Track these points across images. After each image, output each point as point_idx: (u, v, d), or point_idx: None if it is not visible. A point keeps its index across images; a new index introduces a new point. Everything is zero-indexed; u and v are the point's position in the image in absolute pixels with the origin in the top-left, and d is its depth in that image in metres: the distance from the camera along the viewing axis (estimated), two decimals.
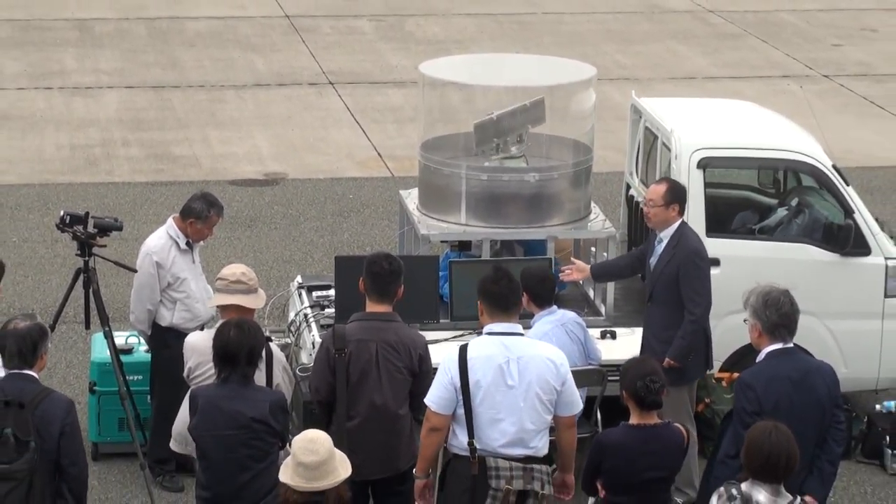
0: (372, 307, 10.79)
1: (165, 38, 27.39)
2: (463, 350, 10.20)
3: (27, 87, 24.35)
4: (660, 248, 12.54)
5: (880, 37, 28.10)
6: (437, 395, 10.14)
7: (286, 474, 9.04)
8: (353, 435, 10.55)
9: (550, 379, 10.16)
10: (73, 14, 28.76)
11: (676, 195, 12.52)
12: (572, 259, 13.49)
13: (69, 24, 28.11)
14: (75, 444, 9.96)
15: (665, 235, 12.50)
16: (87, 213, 13.02)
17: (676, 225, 12.50)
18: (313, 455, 8.93)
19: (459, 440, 10.22)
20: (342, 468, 9.06)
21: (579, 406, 10.40)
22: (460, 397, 10.11)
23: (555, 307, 12.33)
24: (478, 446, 10.12)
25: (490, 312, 10.34)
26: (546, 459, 10.30)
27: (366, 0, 30.23)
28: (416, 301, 11.43)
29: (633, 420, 9.95)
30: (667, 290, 12.50)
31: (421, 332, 11.05)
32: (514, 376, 10.13)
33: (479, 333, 10.53)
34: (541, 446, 10.18)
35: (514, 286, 10.47)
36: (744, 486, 9.20)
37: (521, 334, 10.38)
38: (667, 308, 12.52)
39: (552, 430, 10.35)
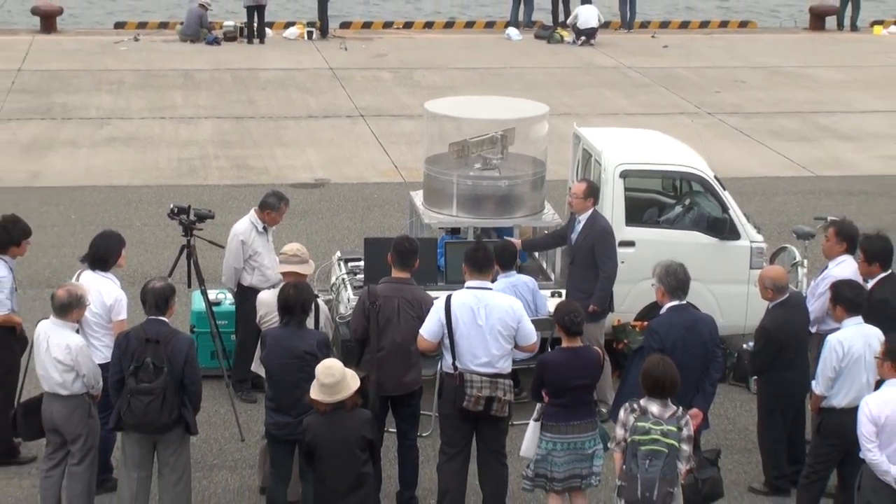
0: (396, 274, 10.93)
1: (245, 83, 27.32)
2: (448, 298, 10.45)
3: (148, 117, 24.28)
4: (579, 227, 12.69)
5: (747, 87, 28.09)
6: (428, 328, 10.44)
7: (314, 391, 9.35)
8: (380, 362, 10.70)
9: (508, 320, 10.38)
10: (180, 66, 28.69)
11: (592, 192, 12.77)
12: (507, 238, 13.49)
13: (177, 73, 28.07)
14: (195, 370, 10.17)
15: (582, 218, 12.67)
16: (189, 206, 13.12)
17: (591, 211, 12.67)
18: (331, 378, 9.26)
19: (447, 362, 10.45)
20: (353, 383, 9.37)
21: (534, 337, 10.58)
22: (446, 331, 10.33)
23: (513, 272, 12.42)
24: (458, 366, 10.33)
25: (470, 272, 10.63)
26: (511, 375, 10.50)
27: (386, 58, 30.20)
28: (421, 269, 11.40)
29: (564, 344, 10.16)
30: (584, 256, 12.62)
31: (427, 292, 11.10)
32: (482, 318, 10.35)
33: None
34: (504, 366, 10.39)
35: (489, 256, 10.79)
36: (642, 401, 9.40)
37: (490, 289, 10.60)
38: (584, 269, 12.63)
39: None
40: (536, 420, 10.21)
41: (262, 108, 25.32)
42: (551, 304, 12.26)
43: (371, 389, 10.56)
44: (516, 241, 13.42)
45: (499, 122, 14.08)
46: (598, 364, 10.26)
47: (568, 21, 32.59)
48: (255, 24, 31.29)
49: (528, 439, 10.25)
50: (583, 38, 31.75)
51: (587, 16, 31.86)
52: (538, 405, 10.25)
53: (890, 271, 11.48)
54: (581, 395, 10.11)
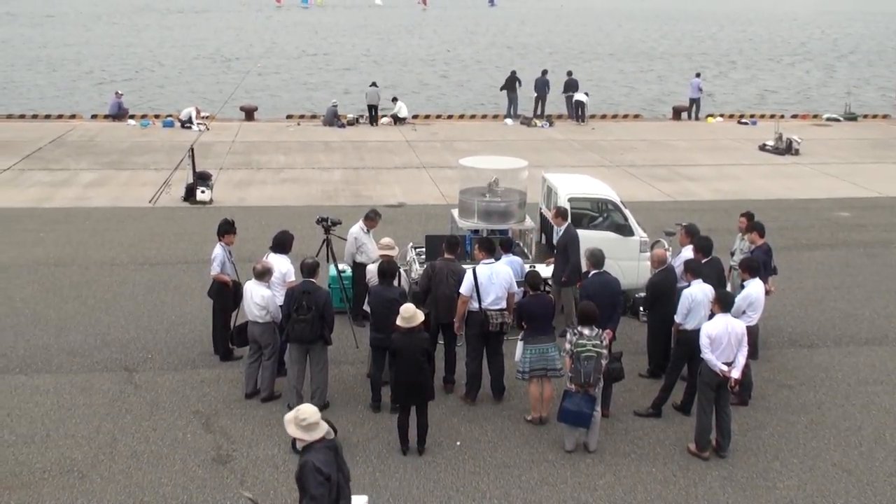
0: (447, 256, 10.84)
1: (359, 149, 27.17)
2: (474, 269, 10.36)
3: (305, 168, 24.18)
4: (558, 235, 12.54)
5: (640, 150, 27.74)
6: (465, 288, 10.30)
7: (398, 321, 9.17)
8: (436, 304, 10.61)
9: (508, 279, 10.39)
10: (323, 139, 28.58)
11: (560, 214, 12.56)
12: (547, 262, 13.12)
13: (321, 143, 27.92)
14: (330, 309, 10.06)
15: (560, 229, 12.51)
16: (328, 217, 13.09)
17: (566, 224, 12.47)
18: (407, 313, 9.14)
19: (474, 305, 10.32)
20: (420, 317, 9.25)
21: (516, 288, 10.57)
22: (475, 287, 10.24)
23: (510, 254, 12.25)
24: (482, 306, 10.24)
25: (483, 254, 10.58)
26: (509, 309, 10.46)
27: (438, 134, 29.98)
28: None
29: (530, 293, 10.10)
30: (562, 251, 12.41)
31: (462, 266, 11.00)
32: (493, 278, 10.27)
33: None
34: (505, 305, 10.35)
35: (492, 243, 10.74)
36: (579, 328, 9.30)
37: (495, 262, 10.58)
38: (562, 258, 12.44)
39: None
40: (521, 340, 10.17)
41: (368, 162, 25.14)
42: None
43: (432, 319, 10.55)
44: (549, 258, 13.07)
45: (499, 171, 14.02)
46: (550, 303, 10.17)
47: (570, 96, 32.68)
48: (372, 115, 31.63)
49: (518, 351, 10.22)
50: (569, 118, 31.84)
51: (578, 96, 32.53)
52: (521, 332, 10.23)
53: (710, 257, 11.40)
54: (543, 321, 10.05)
